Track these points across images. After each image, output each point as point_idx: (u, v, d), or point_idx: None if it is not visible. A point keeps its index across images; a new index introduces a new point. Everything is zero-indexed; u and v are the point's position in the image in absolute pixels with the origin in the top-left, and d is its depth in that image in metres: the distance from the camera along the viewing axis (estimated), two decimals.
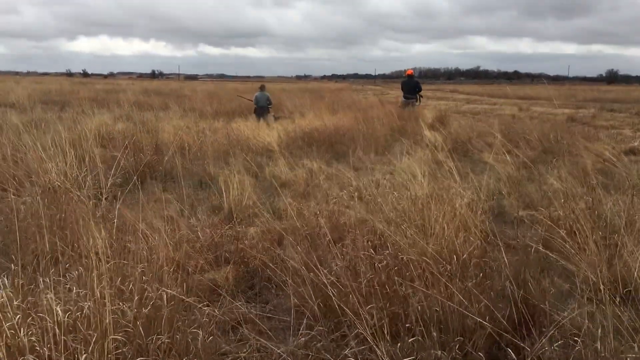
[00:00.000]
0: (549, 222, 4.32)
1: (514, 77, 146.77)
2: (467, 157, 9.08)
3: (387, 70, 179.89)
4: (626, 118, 18.07)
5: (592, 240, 3.71)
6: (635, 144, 9.37)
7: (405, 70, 17.47)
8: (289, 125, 14.59)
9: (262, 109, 15.89)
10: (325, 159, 9.31)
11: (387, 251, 3.38)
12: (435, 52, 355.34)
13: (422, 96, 16.13)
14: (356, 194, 5.34)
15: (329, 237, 3.85)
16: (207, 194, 7.14)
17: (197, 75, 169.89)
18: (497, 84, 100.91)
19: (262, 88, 16.51)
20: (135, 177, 7.80)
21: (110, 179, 7.15)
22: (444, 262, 3.31)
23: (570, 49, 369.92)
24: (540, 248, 3.85)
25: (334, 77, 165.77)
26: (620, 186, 5.84)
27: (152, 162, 8.78)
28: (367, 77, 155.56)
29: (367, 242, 3.68)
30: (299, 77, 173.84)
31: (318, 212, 5.13)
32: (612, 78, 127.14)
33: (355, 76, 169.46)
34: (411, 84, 16.05)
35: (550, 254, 3.73)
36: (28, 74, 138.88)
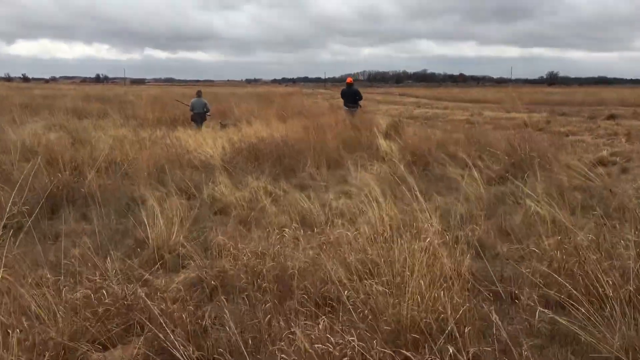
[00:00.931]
0: (544, 269, 3.51)
1: (459, 80, 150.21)
2: (428, 171, 8.29)
3: (336, 73, 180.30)
4: (581, 123, 17.87)
5: (610, 295, 2.90)
6: (603, 153, 8.87)
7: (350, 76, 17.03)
8: (234, 134, 13.55)
9: (198, 115, 15.55)
10: (272, 175, 8.33)
11: (350, 337, 2.45)
12: (383, 56, 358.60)
13: (360, 106, 15.59)
14: (301, 232, 4.38)
15: (273, 301, 2.88)
16: (132, 223, 5.99)
17: (144, 79, 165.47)
18: (444, 87, 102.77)
19: (198, 94, 16.22)
20: (44, 204, 6.66)
21: (7, 208, 5.95)
22: (430, 347, 2.41)
23: (512, 52, 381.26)
24: (544, 311, 3.02)
25: (285, 81, 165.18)
26: (608, 208, 5.14)
27: (72, 182, 7.53)
28: (317, 81, 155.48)
29: (323, 324, 2.70)
30: (249, 81, 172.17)
31: (259, 253, 4.17)
32: (553, 80, 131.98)
33: (306, 80, 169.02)
34: (351, 93, 15.56)
35: (558, 319, 2.89)
36: None
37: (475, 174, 6.66)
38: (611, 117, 19.25)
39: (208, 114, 15.87)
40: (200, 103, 15.58)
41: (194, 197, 7.36)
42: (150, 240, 4.98)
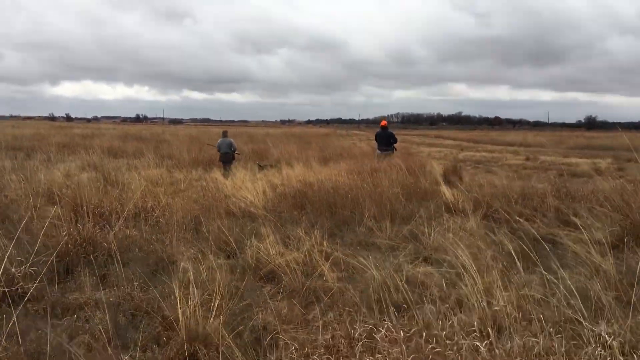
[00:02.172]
0: None
1: (495, 123, 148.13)
2: (509, 227, 6.91)
3: (370, 115, 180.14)
4: None
5: None
6: None
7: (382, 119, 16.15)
8: (275, 177, 12.47)
9: (225, 155, 14.98)
10: (325, 228, 7.06)
11: None
12: (416, 98, 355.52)
13: (395, 149, 14.73)
14: (386, 322, 3.10)
15: None
16: (159, 291, 4.76)
17: (181, 119, 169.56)
18: (480, 130, 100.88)
19: (224, 134, 15.49)
20: (58, 263, 5.55)
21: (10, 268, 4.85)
22: None
23: (547, 96, 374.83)
24: None
25: (318, 122, 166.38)
26: None
27: (94, 235, 6.41)
28: (351, 122, 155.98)
29: None
30: (283, 122, 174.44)
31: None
32: (592, 124, 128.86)
33: (339, 121, 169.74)
34: (386, 135, 14.78)
35: None
36: (11, 117, 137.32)
37: (585, 234, 5.31)
38: None
39: (237, 153, 15.36)
40: (226, 143, 15.05)
41: (235, 255, 6.17)
42: (181, 325, 3.75)
